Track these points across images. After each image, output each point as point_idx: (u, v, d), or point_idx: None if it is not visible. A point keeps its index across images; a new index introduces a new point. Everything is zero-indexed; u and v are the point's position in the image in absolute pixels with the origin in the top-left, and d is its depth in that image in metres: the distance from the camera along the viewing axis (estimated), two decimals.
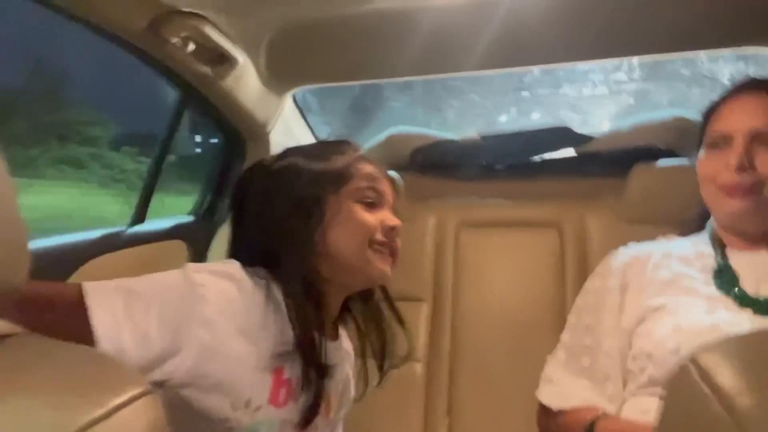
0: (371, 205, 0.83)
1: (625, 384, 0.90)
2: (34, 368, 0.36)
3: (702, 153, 0.94)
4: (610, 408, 0.89)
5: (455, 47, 1.20)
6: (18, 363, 0.36)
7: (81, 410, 0.32)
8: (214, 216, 1.56)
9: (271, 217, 0.81)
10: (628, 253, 1.01)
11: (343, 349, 0.91)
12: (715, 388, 0.40)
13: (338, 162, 0.83)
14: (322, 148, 0.89)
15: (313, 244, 0.79)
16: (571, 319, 1.04)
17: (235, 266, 0.75)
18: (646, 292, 0.91)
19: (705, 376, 0.41)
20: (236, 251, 0.87)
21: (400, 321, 0.94)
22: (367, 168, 0.84)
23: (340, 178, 0.82)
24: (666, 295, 0.88)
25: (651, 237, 1.04)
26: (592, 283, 1.03)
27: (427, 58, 1.24)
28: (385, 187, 0.86)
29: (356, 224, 0.80)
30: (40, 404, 0.32)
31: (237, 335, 0.70)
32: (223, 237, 1.53)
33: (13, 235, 0.36)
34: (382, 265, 0.82)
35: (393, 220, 0.84)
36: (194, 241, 1.50)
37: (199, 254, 1.50)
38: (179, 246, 1.46)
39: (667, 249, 0.98)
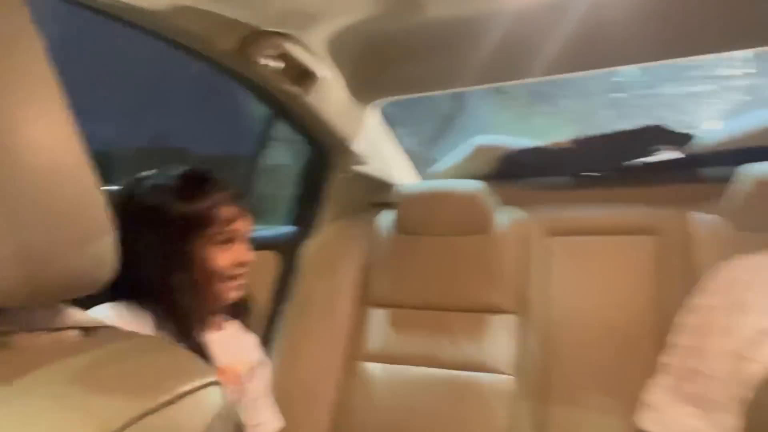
0: (227, 242, 0.93)
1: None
2: (115, 358, 0.39)
3: None
4: None
5: (533, 51, 1.16)
6: (103, 354, 0.39)
7: (150, 395, 0.34)
8: (304, 226, 1.61)
9: (145, 262, 0.87)
10: (738, 267, 0.92)
11: (232, 336, 1.04)
12: None
13: (201, 205, 0.91)
14: (188, 186, 0.93)
15: (174, 288, 0.90)
16: (675, 339, 0.96)
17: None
18: (759, 313, 0.83)
19: None
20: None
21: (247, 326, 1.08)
22: (227, 211, 0.93)
23: (201, 223, 0.90)
24: None
25: (764, 246, 0.94)
26: (697, 301, 0.95)
27: (505, 64, 1.21)
28: (242, 226, 0.96)
29: (212, 269, 0.92)
30: (115, 389, 0.35)
31: None
32: (312, 247, 1.58)
33: (103, 235, 0.39)
34: (229, 294, 0.96)
35: (245, 256, 0.96)
36: (285, 251, 1.56)
37: (288, 264, 1.56)
38: (270, 256, 1.52)
39: None
